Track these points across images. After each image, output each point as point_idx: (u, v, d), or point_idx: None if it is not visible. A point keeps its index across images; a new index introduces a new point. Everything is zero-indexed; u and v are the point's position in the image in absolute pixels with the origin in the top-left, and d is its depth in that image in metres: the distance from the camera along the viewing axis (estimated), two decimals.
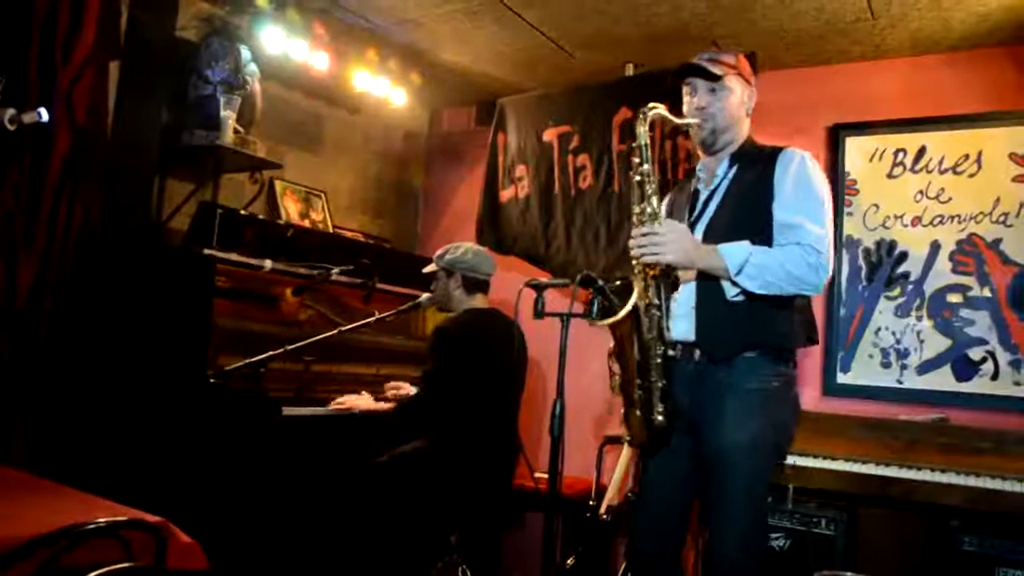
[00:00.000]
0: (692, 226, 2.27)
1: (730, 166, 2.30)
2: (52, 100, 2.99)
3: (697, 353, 2.22)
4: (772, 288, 2.05)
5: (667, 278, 2.23)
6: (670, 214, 2.45)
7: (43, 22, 2.99)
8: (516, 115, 4.49)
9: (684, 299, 2.22)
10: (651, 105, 2.20)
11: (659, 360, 2.15)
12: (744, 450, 2.09)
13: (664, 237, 2.05)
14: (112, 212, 3.33)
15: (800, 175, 2.16)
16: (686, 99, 2.34)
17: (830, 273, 2.09)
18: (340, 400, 3.36)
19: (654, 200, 2.14)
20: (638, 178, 2.16)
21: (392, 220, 5.20)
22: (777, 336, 2.16)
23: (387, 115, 4.85)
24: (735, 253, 2.05)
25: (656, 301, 2.15)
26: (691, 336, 2.21)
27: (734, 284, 2.08)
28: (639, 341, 2.13)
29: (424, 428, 3.30)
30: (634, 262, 2.15)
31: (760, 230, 2.13)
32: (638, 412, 2.18)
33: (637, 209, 2.17)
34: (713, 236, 2.19)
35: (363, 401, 3.39)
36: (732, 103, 2.29)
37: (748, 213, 2.17)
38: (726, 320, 2.14)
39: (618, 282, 2.20)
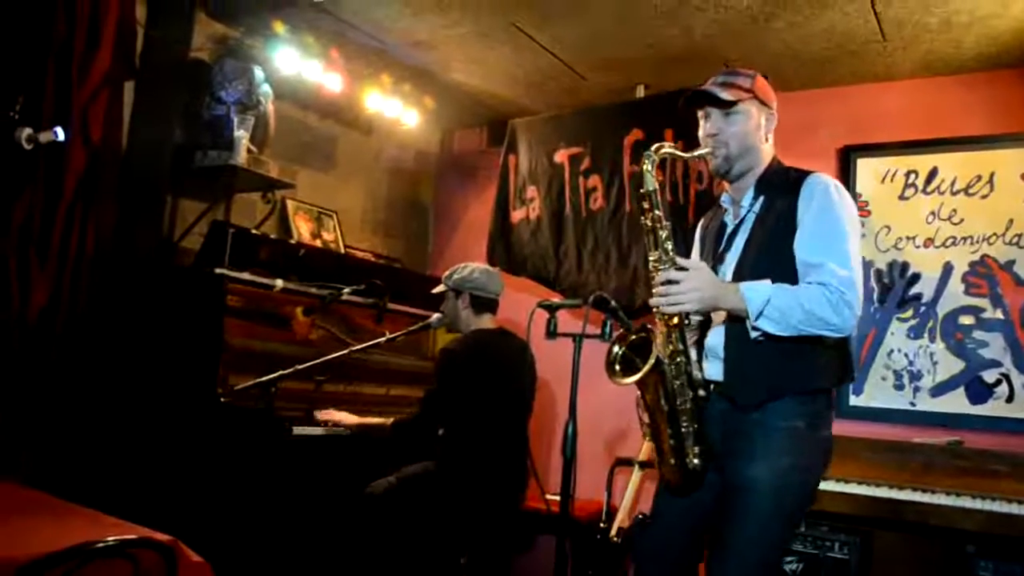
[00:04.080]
0: (721, 260, 2.21)
1: (755, 196, 2.19)
2: (68, 119, 3.01)
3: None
4: (793, 331, 1.95)
5: (690, 323, 2.17)
6: (702, 247, 2.38)
7: (60, 43, 3.02)
8: (527, 136, 4.51)
9: (715, 342, 2.16)
10: (657, 145, 2.13)
11: (690, 405, 2.08)
12: (766, 488, 2.01)
13: (684, 285, 1.96)
14: (125, 230, 3.35)
15: (823, 209, 2.05)
16: (701, 125, 2.25)
17: (857, 313, 1.97)
18: (327, 413, 3.34)
19: (668, 245, 2.06)
20: (649, 224, 2.09)
21: (403, 240, 5.21)
22: (805, 380, 2.06)
23: (399, 135, 4.87)
24: (755, 296, 1.96)
25: (681, 347, 2.08)
26: (721, 376, 2.14)
27: (755, 328, 1.99)
28: (665, 392, 2.07)
29: (425, 448, 3.29)
30: (655, 311, 2.07)
31: (789, 268, 2.05)
32: (672, 460, 2.11)
33: (653, 256, 2.08)
34: (742, 274, 2.11)
35: (350, 417, 3.35)
36: (748, 128, 2.17)
37: (775, 250, 2.08)
38: (754, 366, 2.06)
39: (634, 336, 2.12)
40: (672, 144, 2.17)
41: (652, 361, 1.99)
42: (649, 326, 2.12)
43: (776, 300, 1.94)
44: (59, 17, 3.02)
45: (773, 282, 1.99)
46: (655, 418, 2.13)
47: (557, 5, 3.52)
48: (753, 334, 2.01)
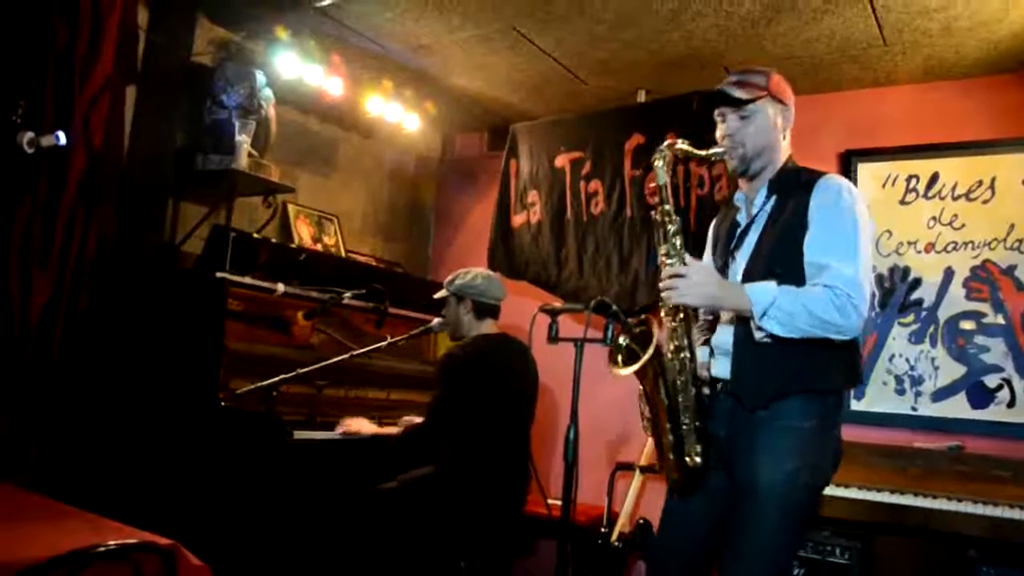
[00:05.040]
0: (732, 258, 2.21)
1: (768, 195, 2.18)
2: (69, 124, 3.02)
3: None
4: (798, 332, 1.95)
5: (696, 319, 2.18)
6: (714, 245, 2.37)
7: (62, 47, 3.02)
8: (528, 141, 4.52)
9: (722, 340, 2.15)
10: (669, 141, 2.14)
11: (692, 402, 2.08)
12: (774, 495, 1.98)
13: (688, 280, 1.97)
14: (127, 234, 3.35)
15: (832, 211, 2.04)
16: (718, 125, 2.24)
17: (863, 315, 1.95)
18: (346, 423, 3.34)
19: (677, 240, 2.08)
20: (659, 218, 2.11)
21: (404, 244, 5.21)
22: (812, 380, 2.05)
23: (400, 140, 4.88)
24: (760, 297, 1.95)
25: (685, 343, 2.08)
26: (728, 374, 2.13)
27: (759, 328, 1.99)
28: (665, 386, 2.07)
29: (430, 454, 3.28)
30: (660, 304, 2.09)
31: (798, 269, 2.04)
32: (671, 455, 2.10)
33: (662, 250, 2.10)
34: (752, 273, 2.11)
35: (368, 426, 3.37)
36: (763, 127, 2.17)
37: (786, 250, 2.07)
38: (760, 365, 2.05)
39: (638, 329, 2.13)
40: (686, 141, 2.16)
41: (651, 350, 1.99)
42: (651, 318, 2.12)
43: (781, 301, 1.94)
44: (60, 22, 3.02)
45: (782, 283, 1.99)
46: (655, 412, 2.14)
47: (558, 10, 3.52)
48: (758, 335, 2.00)
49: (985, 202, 3.68)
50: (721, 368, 2.16)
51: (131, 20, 3.32)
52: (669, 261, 2.07)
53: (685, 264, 2.04)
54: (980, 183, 3.69)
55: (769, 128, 2.19)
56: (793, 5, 3.30)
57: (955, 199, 3.74)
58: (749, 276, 2.11)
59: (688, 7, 3.39)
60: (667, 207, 2.10)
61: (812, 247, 2.04)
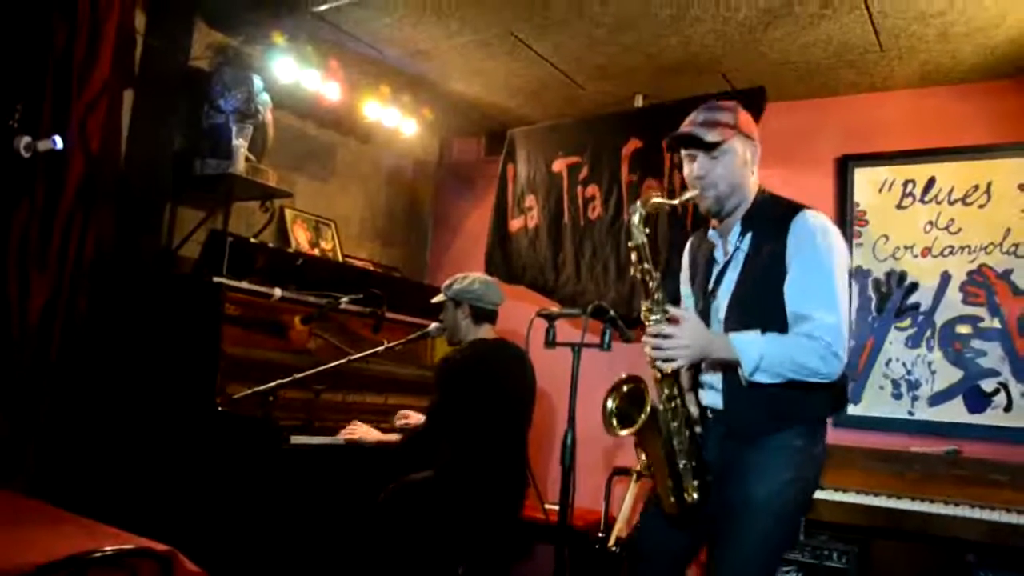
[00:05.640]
0: (713, 297, 2.22)
1: (743, 232, 2.18)
2: (67, 128, 3.02)
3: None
4: (781, 379, 1.99)
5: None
6: (692, 277, 2.38)
7: (59, 51, 3.03)
8: (526, 146, 4.52)
9: (711, 378, 2.18)
10: (643, 197, 2.14)
11: (687, 444, 2.10)
12: (765, 506, 2.04)
13: (676, 340, 1.97)
14: (124, 239, 3.35)
15: (809, 254, 2.05)
16: (686, 167, 2.22)
17: (844, 360, 2.00)
18: (350, 429, 3.34)
19: (659, 295, 2.07)
20: (639, 276, 2.11)
21: (402, 248, 5.21)
22: (802, 413, 2.10)
23: (397, 144, 4.88)
24: (748, 350, 1.98)
25: (676, 391, 2.09)
26: (720, 405, 2.17)
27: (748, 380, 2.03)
28: (661, 437, 2.08)
29: (430, 459, 3.28)
30: (648, 360, 2.07)
31: (778, 309, 2.07)
32: (671, 498, 2.12)
33: (645, 305, 2.09)
34: (733, 316, 2.14)
35: (373, 433, 3.37)
36: (734, 166, 2.15)
37: (766, 292, 2.09)
38: (752, 403, 2.08)
39: (625, 387, 2.13)
40: (659, 193, 2.16)
41: (647, 411, 2.01)
42: (641, 378, 2.12)
43: (767, 351, 1.98)
44: (58, 26, 3.02)
45: (765, 323, 2.03)
46: (653, 459, 2.15)
47: (556, 15, 3.53)
48: (745, 383, 2.03)
49: (981, 207, 3.68)
50: (710, 399, 2.20)
51: (129, 24, 3.32)
52: (653, 317, 2.06)
53: (668, 317, 2.03)
54: (976, 188, 3.70)
55: (740, 166, 2.17)
56: (790, 11, 3.31)
57: (951, 203, 3.75)
58: (731, 319, 2.14)
59: (686, 12, 3.40)
60: (646, 266, 2.09)
61: (793, 296, 2.05)
